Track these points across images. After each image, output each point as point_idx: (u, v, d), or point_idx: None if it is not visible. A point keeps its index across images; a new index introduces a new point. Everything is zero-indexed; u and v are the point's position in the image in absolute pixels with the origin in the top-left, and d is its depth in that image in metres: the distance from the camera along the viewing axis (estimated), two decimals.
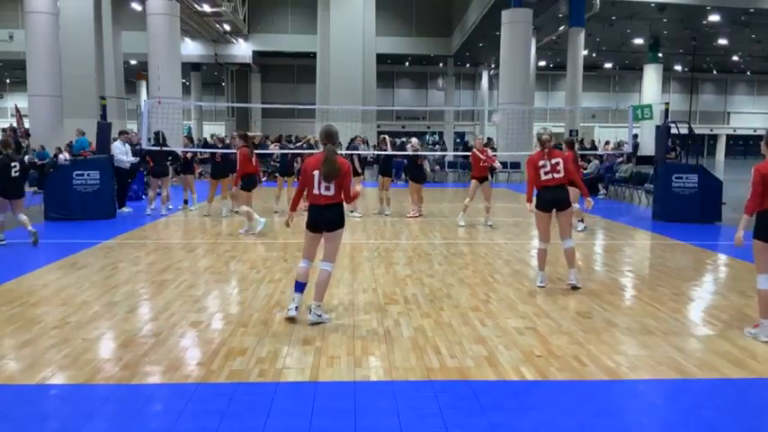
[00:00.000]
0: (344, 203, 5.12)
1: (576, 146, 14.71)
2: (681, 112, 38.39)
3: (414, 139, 12.64)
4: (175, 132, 16.70)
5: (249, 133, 18.29)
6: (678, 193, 11.41)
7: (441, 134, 41.38)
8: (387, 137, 14.10)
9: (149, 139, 12.61)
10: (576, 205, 7.49)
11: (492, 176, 11.11)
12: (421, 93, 45.93)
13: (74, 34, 22.13)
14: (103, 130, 11.83)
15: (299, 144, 15.03)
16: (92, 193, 11.01)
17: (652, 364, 4.22)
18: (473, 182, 10.86)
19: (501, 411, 3.46)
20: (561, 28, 28.80)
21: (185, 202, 13.05)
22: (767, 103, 49.12)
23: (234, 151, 10.95)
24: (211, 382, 3.82)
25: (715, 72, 46.33)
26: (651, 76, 35.60)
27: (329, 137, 5.01)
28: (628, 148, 17.88)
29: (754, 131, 46.79)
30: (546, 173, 6.20)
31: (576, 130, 27.52)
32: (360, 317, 5.26)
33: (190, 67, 38.16)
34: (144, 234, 9.77)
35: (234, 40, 36.09)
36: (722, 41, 33.20)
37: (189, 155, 12.95)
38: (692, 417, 3.45)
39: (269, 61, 40.96)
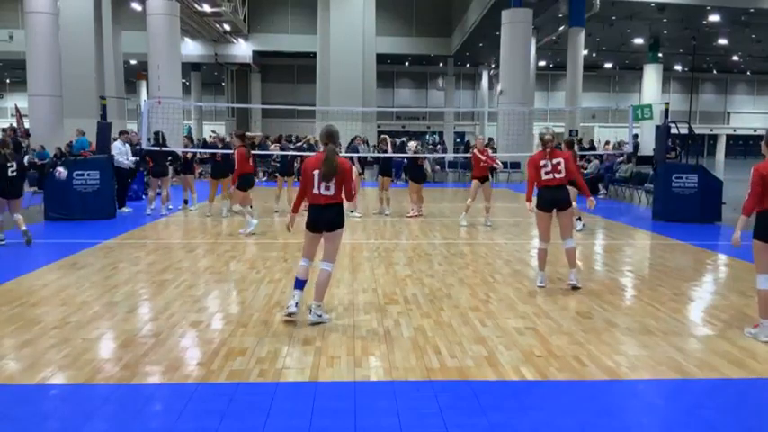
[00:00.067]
0: (344, 204, 5.13)
1: (576, 146, 14.72)
2: (681, 112, 38.39)
3: (411, 144, 12.57)
4: (175, 132, 16.70)
5: (249, 133, 18.30)
6: (678, 193, 11.41)
7: (441, 134, 41.38)
8: (387, 137, 14.10)
9: (149, 140, 12.61)
10: (574, 204, 7.48)
11: (492, 176, 11.10)
12: (421, 93, 45.95)
13: (74, 34, 22.14)
14: (103, 130, 11.83)
15: (298, 144, 15.03)
16: (92, 193, 11.01)
17: (652, 364, 4.22)
18: (474, 182, 10.87)
19: (501, 411, 3.46)
20: (561, 28, 28.80)
21: (185, 202, 13.05)
22: (767, 103, 49.12)
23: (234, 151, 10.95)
24: (211, 382, 3.82)
25: (715, 72, 46.35)
26: (651, 76, 35.60)
27: (330, 137, 5.01)
28: (628, 148, 17.88)
29: (754, 131, 46.80)
30: (547, 173, 6.19)
31: (576, 130, 27.51)
32: (360, 317, 5.26)
33: (190, 67, 38.17)
34: (144, 234, 9.77)
35: (234, 40, 36.10)
36: (722, 41, 33.20)
37: (189, 155, 12.95)
38: (692, 417, 3.45)
39: (269, 61, 40.98)
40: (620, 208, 14.24)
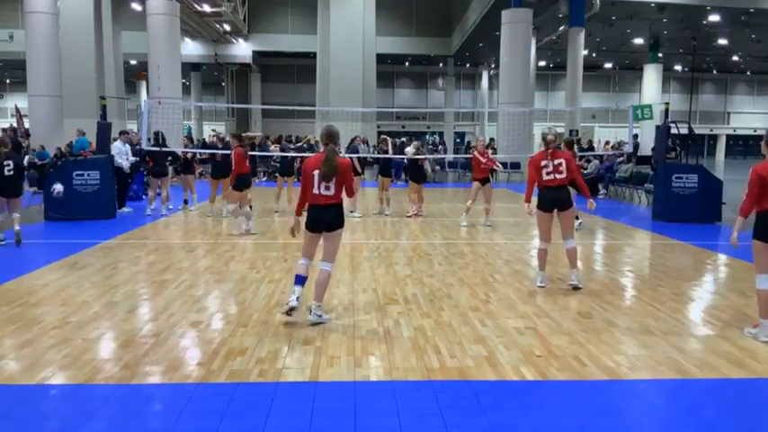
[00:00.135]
0: (344, 204, 5.12)
1: (576, 146, 14.72)
2: (681, 112, 38.40)
3: (409, 149, 12.50)
4: (175, 132, 16.69)
5: (249, 133, 18.28)
6: (678, 193, 11.41)
7: (441, 134, 41.38)
8: (387, 138, 14.10)
9: (149, 140, 12.62)
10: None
11: (492, 176, 11.10)
12: (421, 93, 45.96)
13: (74, 34, 22.14)
14: (103, 130, 11.83)
15: (299, 144, 15.02)
16: (92, 193, 11.01)
17: (652, 364, 4.22)
18: (475, 184, 10.87)
19: (501, 411, 3.46)
20: (561, 28, 28.81)
21: (185, 202, 13.05)
22: (767, 103, 49.13)
23: None
24: (211, 382, 3.82)
25: (715, 72, 46.35)
26: (651, 76, 35.60)
27: (330, 137, 5.01)
28: (628, 148, 17.88)
29: (754, 131, 46.80)
30: (548, 173, 6.19)
31: (577, 131, 27.52)
32: (360, 317, 5.26)
33: (190, 67, 38.17)
34: (144, 234, 9.78)
35: (234, 40, 36.10)
36: (722, 41, 33.21)
37: (189, 155, 12.95)
38: (692, 417, 3.45)
39: (269, 61, 40.98)
40: (620, 208, 14.24)
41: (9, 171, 8.15)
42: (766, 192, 4.60)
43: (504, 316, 5.32)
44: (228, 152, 12.12)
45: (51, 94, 19.88)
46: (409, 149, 12.49)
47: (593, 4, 24.82)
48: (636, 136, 27.81)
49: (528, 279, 6.75)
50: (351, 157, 12.09)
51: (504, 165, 20.52)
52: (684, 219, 11.11)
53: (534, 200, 6.38)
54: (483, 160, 10.69)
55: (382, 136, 15.19)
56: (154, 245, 8.76)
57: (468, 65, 43.46)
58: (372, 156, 16.20)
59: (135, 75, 38.17)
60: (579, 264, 6.49)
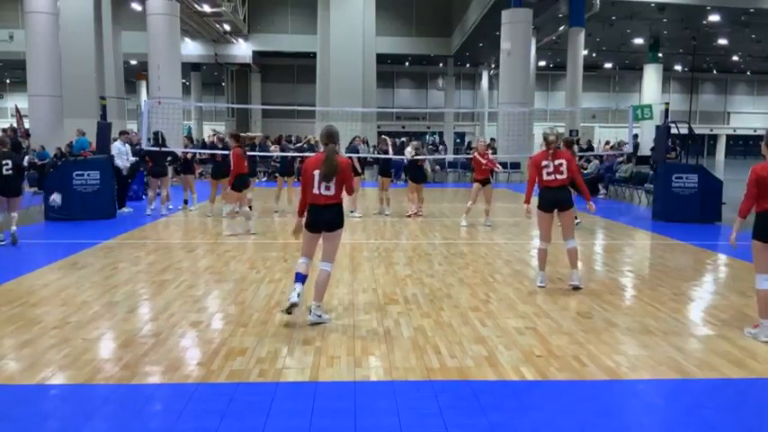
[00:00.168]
0: (344, 204, 5.12)
1: (576, 147, 14.71)
2: (681, 112, 38.40)
3: (408, 151, 12.46)
4: (175, 132, 16.70)
5: (250, 134, 18.28)
6: (678, 193, 11.41)
7: (441, 134, 41.38)
8: (387, 138, 14.10)
9: (149, 140, 12.62)
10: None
11: (492, 176, 11.10)
12: (421, 93, 45.96)
13: (74, 34, 22.14)
14: (103, 130, 11.84)
15: (299, 145, 15.03)
16: (92, 193, 11.01)
17: (652, 364, 4.22)
18: (476, 185, 10.87)
19: (501, 411, 3.46)
20: (561, 28, 28.80)
21: (185, 202, 13.05)
22: (767, 103, 49.13)
23: None
24: (211, 382, 3.82)
25: (715, 72, 46.35)
26: (651, 76, 35.60)
27: (330, 137, 5.01)
28: (628, 149, 17.88)
29: (754, 131, 46.80)
30: (549, 173, 6.19)
31: (577, 131, 27.52)
32: (360, 317, 5.26)
33: (190, 67, 38.17)
34: (144, 234, 9.78)
35: (234, 40, 36.11)
36: (722, 41, 33.21)
37: (189, 155, 12.95)
38: (692, 417, 3.45)
39: (269, 61, 40.98)
40: (620, 208, 14.23)
41: (8, 170, 8.16)
42: (765, 192, 4.61)
43: (504, 316, 5.32)
44: (228, 152, 12.14)
45: (51, 94, 19.88)
46: (408, 150, 12.45)
47: (593, 4, 24.82)
48: (636, 136, 27.80)
49: (528, 279, 6.75)
50: (351, 157, 12.10)
51: (504, 165, 20.52)
52: (684, 219, 11.11)
53: (535, 200, 6.38)
54: (483, 161, 10.69)
55: (382, 136, 15.18)
56: (154, 245, 8.76)
57: (468, 65, 43.46)
58: (372, 156, 16.20)
59: (135, 75, 38.17)
60: (579, 264, 6.49)
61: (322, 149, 5.04)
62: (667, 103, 12.64)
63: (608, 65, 43.06)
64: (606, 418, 3.41)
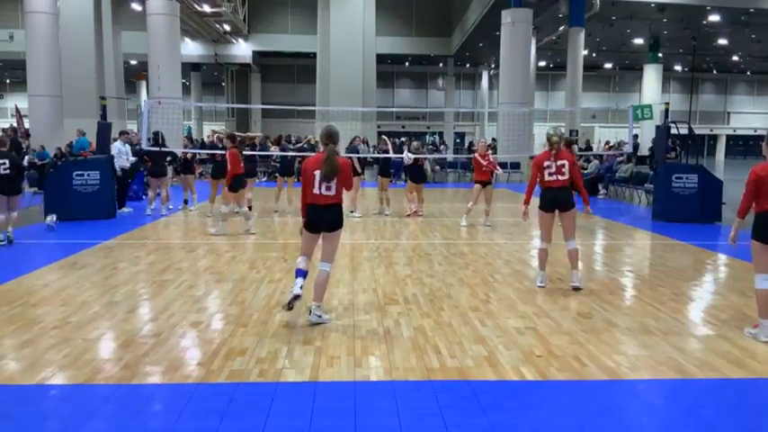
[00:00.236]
0: (343, 204, 5.12)
1: (576, 147, 14.70)
2: (681, 112, 38.41)
3: (408, 156, 12.40)
4: (175, 132, 16.71)
5: (250, 134, 18.31)
6: (678, 193, 11.41)
7: (441, 134, 41.40)
8: (386, 138, 14.10)
9: (149, 140, 12.63)
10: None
11: (493, 177, 11.10)
12: (421, 93, 45.97)
13: (74, 34, 22.15)
14: (103, 131, 11.84)
15: (299, 145, 15.03)
16: (92, 193, 11.01)
17: (652, 364, 4.22)
18: (476, 186, 10.86)
19: (501, 411, 3.46)
20: (561, 28, 28.82)
21: (185, 202, 13.05)
22: (767, 103, 49.13)
23: None
24: (211, 382, 3.82)
25: (715, 72, 46.37)
26: (651, 76, 35.62)
27: (330, 137, 5.00)
28: (628, 149, 17.89)
29: (755, 131, 46.82)
30: (550, 174, 6.19)
31: (577, 131, 27.53)
32: (360, 317, 5.26)
33: (190, 67, 38.19)
34: (144, 234, 9.77)
35: (234, 40, 36.11)
36: (722, 41, 33.22)
37: (189, 155, 12.95)
38: (692, 417, 3.45)
39: (269, 61, 41.00)
40: (620, 208, 14.24)
41: (5, 170, 8.18)
42: (764, 192, 4.62)
43: (504, 316, 5.32)
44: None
45: (51, 94, 19.89)
46: (406, 157, 12.27)
47: (593, 4, 24.83)
48: (636, 136, 27.83)
49: (528, 279, 6.75)
50: (351, 157, 12.10)
51: (504, 165, 20.52)
52: (684, 219, 11.11)
53: (536, 201, 6.38)
54: (484, 163, 10.69)
55: (382, 136, 15.18)
56: (154, 245, 8.76)
57: (468, 65, 43.47)
58: (372, 156, 16.20)
59: (135, 75, 38.19)
60: (580, 264, 6.49)
61: (322, 149, 5.04)
62: (667, 103, 12.64)
63: (608, 65, 43.08)
64: (606, 418, 3.41)
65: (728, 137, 50.01)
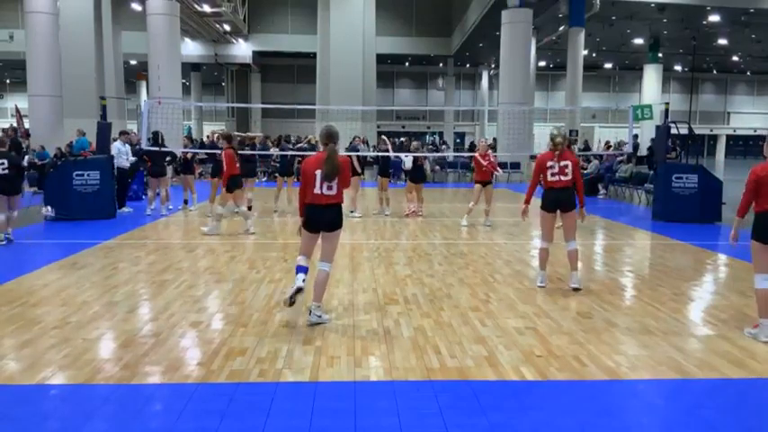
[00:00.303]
0: (343, 204, 5.12)
1: (575, 147, 14.69)
2: (681, 112, 38.41)
3: (407, 160, 12.37)
4: (175, 132, 16.70)
5: (250, 134, 18.30)
6: (678, 193, 11.41)
7: (441, 134, 41.40)
8: (386, 138, 14.09)
9: (148, 140, 12.63)
10: None
11: (493, 177, 11.10)
12: (421, 93, 45.98)
13: (74, 34, 22.16)
14: (103, 131, 11.84)
15: (299, 145, 15.03)
16: (92, 193, 11.01)
17: (652, 364, 4.22)
18: (477, 186, 10.86)
19: (501, 411, 3.46)
20: (561, 28, 28.83)
21: (185, 202, 13.05)
22: (767, 103, 49.14)
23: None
24: (211, 382, 3.82)
25: (715, 72, 46.37)
26: (651, 76, 35.62)
27: (330, 137, 5.00)
28: (628, 149, 17.89)
29: (755, 131, 46.85)
30: (553, 174, 6.19)
31: (577, 131, 27.53)
32: (360, 317, 5.26)
33: (190, 67, 38.19)
34: (144, 234, 9.77)
35: (234, 40, 36.12)
36: (722, 41, 33.23)
37: (189, 155, 12.95)
38: (692, 417, 3.45)
39: (269, 61, 41.01)
40: (620, 208, 14.23)
41: (3, 169, 8.19)
42: (764, 192, 4.62)
43: (504, 316, 5.32)
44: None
45: (51, 94, 19.89)
46: (407, 160, 12.24)
47: (593, 4, 24.84)
48: (636, 136, 27.83)
49: (528, 279, 6.75)
50: (350, 156, 12.11)
51: (504, 165, 20.52)
52: (684, 219, 11.10)
53: (537, 201, 6.38)
54: (484, 163, 10.69)
55: (382, 136, 15.18)
56: (154, 245, 8.76)
57: (468, 65, 43.47)
58: (372, 155, 16.19)
59: (135, 75, 38.19)
60: (579, 265, 6.49)
61: (322, 149, 5.03)
62: (667, 103, 12.63)
63: (608, 65, 43.08)
64: (606, 418, 3.41)
65: (728, 137, 50.01)
